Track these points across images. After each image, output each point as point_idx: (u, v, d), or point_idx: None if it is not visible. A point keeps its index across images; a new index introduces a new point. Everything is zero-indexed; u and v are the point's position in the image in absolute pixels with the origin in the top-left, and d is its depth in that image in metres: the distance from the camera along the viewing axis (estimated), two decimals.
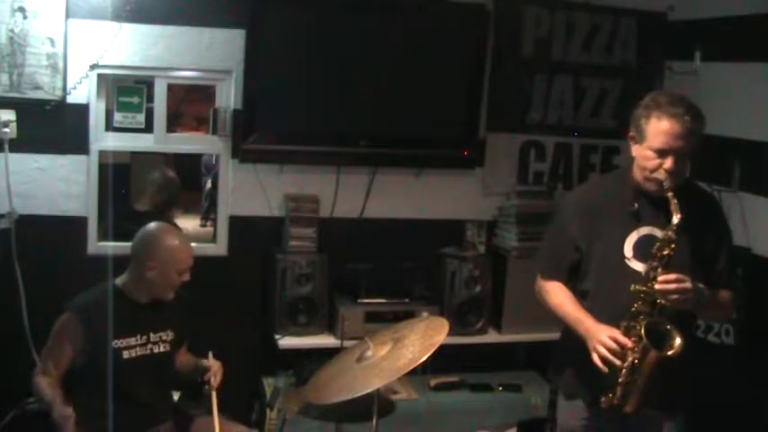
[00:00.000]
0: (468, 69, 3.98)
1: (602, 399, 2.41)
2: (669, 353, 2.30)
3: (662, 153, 2.35)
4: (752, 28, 3.64)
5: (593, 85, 4.27)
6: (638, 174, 2.46)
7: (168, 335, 2.96)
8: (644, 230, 2.45)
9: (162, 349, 2.94)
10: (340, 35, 3.73)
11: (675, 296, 2.30)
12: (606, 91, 4.30)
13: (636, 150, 2.45)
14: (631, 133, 2.46)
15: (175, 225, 4.58)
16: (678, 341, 2.29)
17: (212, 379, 2.92)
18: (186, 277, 2.92)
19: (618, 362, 2.33)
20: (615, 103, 4.30)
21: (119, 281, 2.93)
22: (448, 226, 4.17)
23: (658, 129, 2.35)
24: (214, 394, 2.88)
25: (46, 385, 2.75)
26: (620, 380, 2.34)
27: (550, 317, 2.65)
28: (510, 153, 4.22)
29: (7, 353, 3.46)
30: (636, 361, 2.32)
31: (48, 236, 3.55)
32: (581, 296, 2.56)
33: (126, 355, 2.83)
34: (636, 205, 2.47)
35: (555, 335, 2.77)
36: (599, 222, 2.52)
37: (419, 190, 4.09)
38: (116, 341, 2.81)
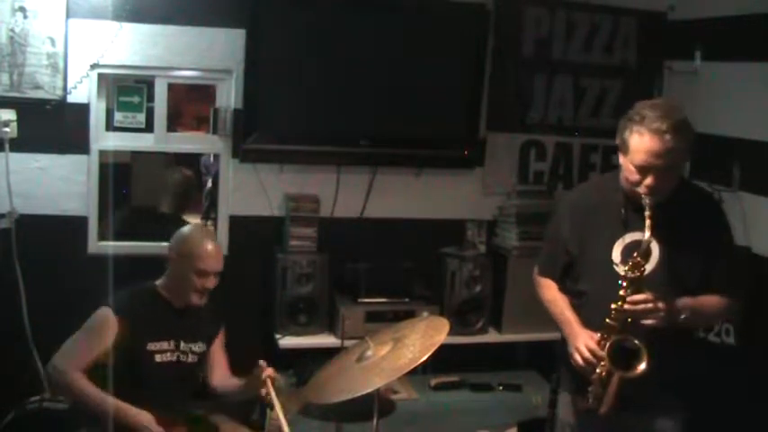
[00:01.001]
0: (468, 69, 3.98)
1: (579, 399, 2.48)
2: (632, 375, 2.32)
3: (643, 170, 2.32)
4: (752, 28, 3.64)
5: (593, 84, 4.27)
6: (623, 182, 2.44)
7: (200, 347, 2.96)
8: (631, 237, 2.43)
9: (190, 360, 2.93)
10: (340, 35, 3.73)
11: (644, 316, 2.32)
12: (606, 91, 4.30)
13: (621, 160, 2.42)
14: (617, 142, 2.42)
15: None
16: (643, 366, 2.31)
17: (269, 381, 2.81)
18: (209, 283, 2.90)
19: (590, 369, 2.38)
20: (615, 103, 4.29)
21: (157, 282, 2.94)
22: (448, 226, 4.17)
23: (639, 146, 2.30)
24: (273, 394, 2.79)
25: (95, 390, 2.71)
26: (589, 388, 2.40)
27: (550, 315, 2.67)
28: (510, 153, 4.22)
29: (7, 353, 3.46)
30: (603, 374, 2.36)
31: (48, 236, 3.55)
32: (576, 296, 2.58)
33: (158, 358, 2.84)
34: (623, 211, 2.46)
35: (555, 335, 2.78)
36: (591, 225, 2.53)
37: (419, 190, 4.10)
38: (150, 343, 2.82)
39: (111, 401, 2.69)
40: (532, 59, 4.15)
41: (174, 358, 2.89)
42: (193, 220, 6.18)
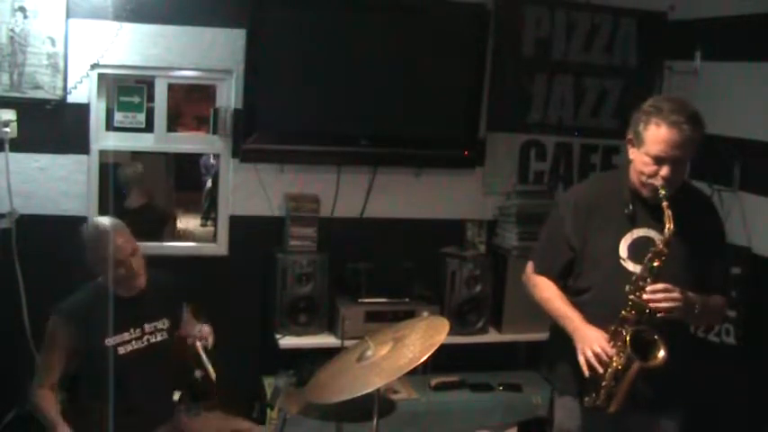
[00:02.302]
0: (468, 69, 3.98)
1: (586, 398, 2.45)
2: (652, 364, 2.32)
3: (659, 160, 2.34)
4: (752, 28, 3.64)
5: (593, 84, 4.27)
6: (634, 177, 2.45)
7: (164, 323, 2.95)
8: (638, 232, 2.45)
9: (159, 338, 2.93)
10: (340, 35, 3.73)
11: (664, 305, 2.31)
12: (606, 91, 4.30)
13: (633, 154, 2.43)
14: (629, 136, 2.44)
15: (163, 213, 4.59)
16: (662, 353, 2.31)
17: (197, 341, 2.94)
18: (134, 267, 2.84)
19: (601, 368, 2.36)
20: (615, 103, 4.30)
21: (101, 279, 2.91)
22: (448, 226, 4.17)
23: (657, 136, 2.32)
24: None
25: (48, 407, 2.72)
26: (603, 383, 2.38)
27: (547, 313, 2.65)
28: (510, 153, 4.22)
29: (7, 353, 3.46)
30: (619, 367, 2.35)
31: (48, 236, 3.55)
32: (578, 294, 2.56)
33: (122, 350, 2.83)
34: (631, 207, 2.47)
35: None
36: (594, 221, 2.52)
37: (419, 190, 4.10)
38: (108, 339, 2.80)
39: (56, 425, 2.68)
40: (532, 59, 4.15)
41: (144, 343, 2.88)
42: (192, 220, 6.21)
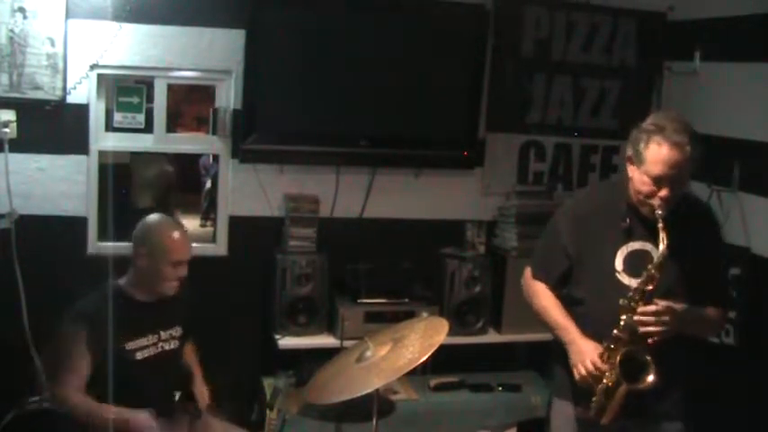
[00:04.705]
0: (468, 69, 3.98)
1: (577, 409, 2.48)
2: (640, 386, 2.33)
3: (658, 181, 2.31)
4: (752, 28, 3.64)
5: (592, 85, 4.27)
6: (632, 194, 2.43)
7: (177, 331, 2.97)
8: (634, 246, 2.45)
9: (172, 346, 2.94)
10: (340, 35, 3.73)
11: (653, 329, 2.32)
12: (606, 91, 4.29)
13: (632, 171, 2.41)
14: (629, 153, 2.41)
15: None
16: (651, 377, 2.32)
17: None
18: (181, 272, 2.87)
19: (594, 383, 2.37)
20: (615, 103, 4.30)
21: (121, 281, 2.91)
22: (448, 226, 4.17)
23: (658, 156, 2.29)
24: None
25: (84, 401, 2.70)
26: (593, 398, 2.39)
27: (544, 323, 2.65)
28: (510, 153, 4.22)
29: (7, 353, 3.46)
30: (610, 384, 2.36)
31: (48, 236, 3.55)
32: (573, 304, 2.56)
33: (139, 356, 2.83)
34: (628, 221, 2.46)
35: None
36: (591, 233, 2.52)
37: (419, 190, 4.10)
38: (128, 343, 2.80)
39: (110, 412, 2.68)
40: (532, 59, 4.15)
41: (159, 350, 2.89)
42: (192, 221, 6.21)
